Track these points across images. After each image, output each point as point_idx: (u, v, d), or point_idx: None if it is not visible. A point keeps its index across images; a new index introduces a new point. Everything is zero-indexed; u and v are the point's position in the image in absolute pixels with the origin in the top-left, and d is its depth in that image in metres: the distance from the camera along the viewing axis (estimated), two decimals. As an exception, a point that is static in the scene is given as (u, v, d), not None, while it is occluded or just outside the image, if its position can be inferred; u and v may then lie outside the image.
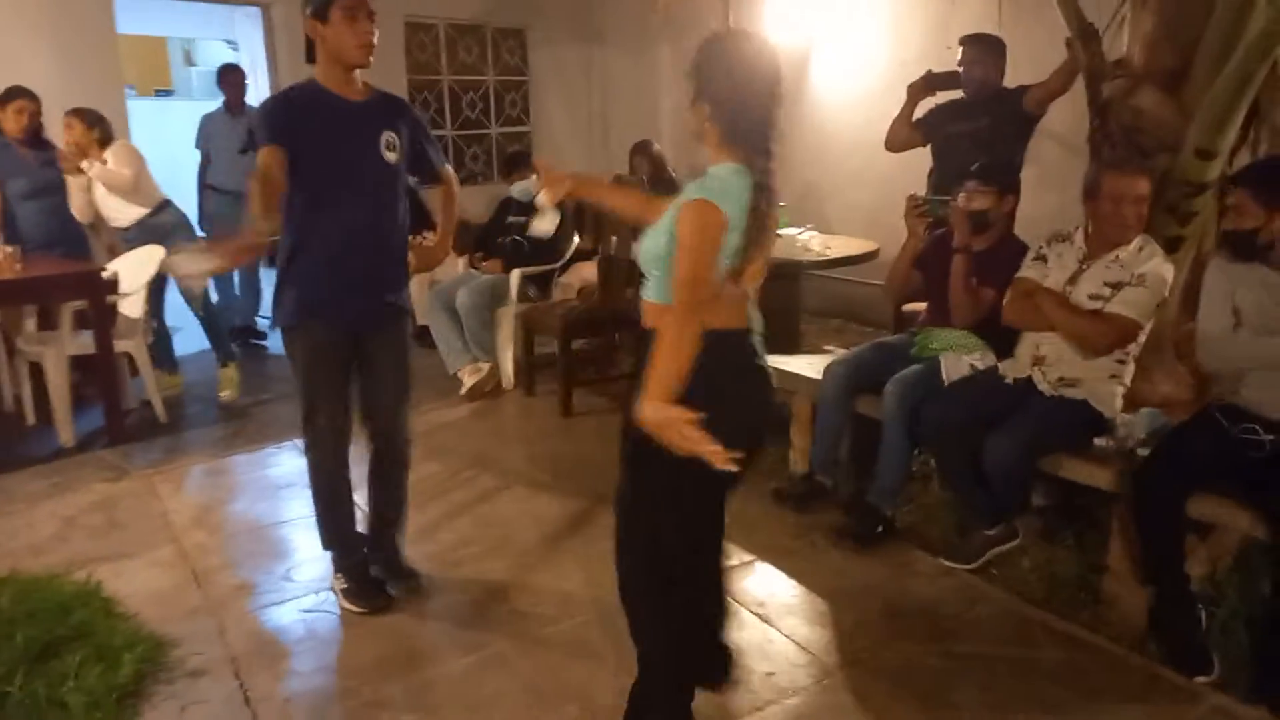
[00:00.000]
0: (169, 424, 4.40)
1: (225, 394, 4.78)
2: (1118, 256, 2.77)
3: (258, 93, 8.38)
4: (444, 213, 2.94)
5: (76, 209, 4.52)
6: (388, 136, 2.58)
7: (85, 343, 4.12)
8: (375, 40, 2.48)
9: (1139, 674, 2.41)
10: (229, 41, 9.44)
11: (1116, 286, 2.74)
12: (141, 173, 4.54)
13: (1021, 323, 2.94)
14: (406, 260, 2.77)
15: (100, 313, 4.06)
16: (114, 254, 4.67)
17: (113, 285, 4.20)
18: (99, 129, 4.47)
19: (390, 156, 2.58)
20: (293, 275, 2.60)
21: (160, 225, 4.59)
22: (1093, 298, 2.78)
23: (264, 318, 6.18)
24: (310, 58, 2.54)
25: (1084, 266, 2.84)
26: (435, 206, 3.01)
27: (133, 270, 4.37)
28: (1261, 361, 2.45)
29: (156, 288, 4.65)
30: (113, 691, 2.30)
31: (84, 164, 4.41)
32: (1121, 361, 2.81)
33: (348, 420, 2.74)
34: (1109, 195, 2.75)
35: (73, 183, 4.55)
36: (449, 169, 2.88)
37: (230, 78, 5.83)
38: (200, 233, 5.28)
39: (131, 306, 4.36)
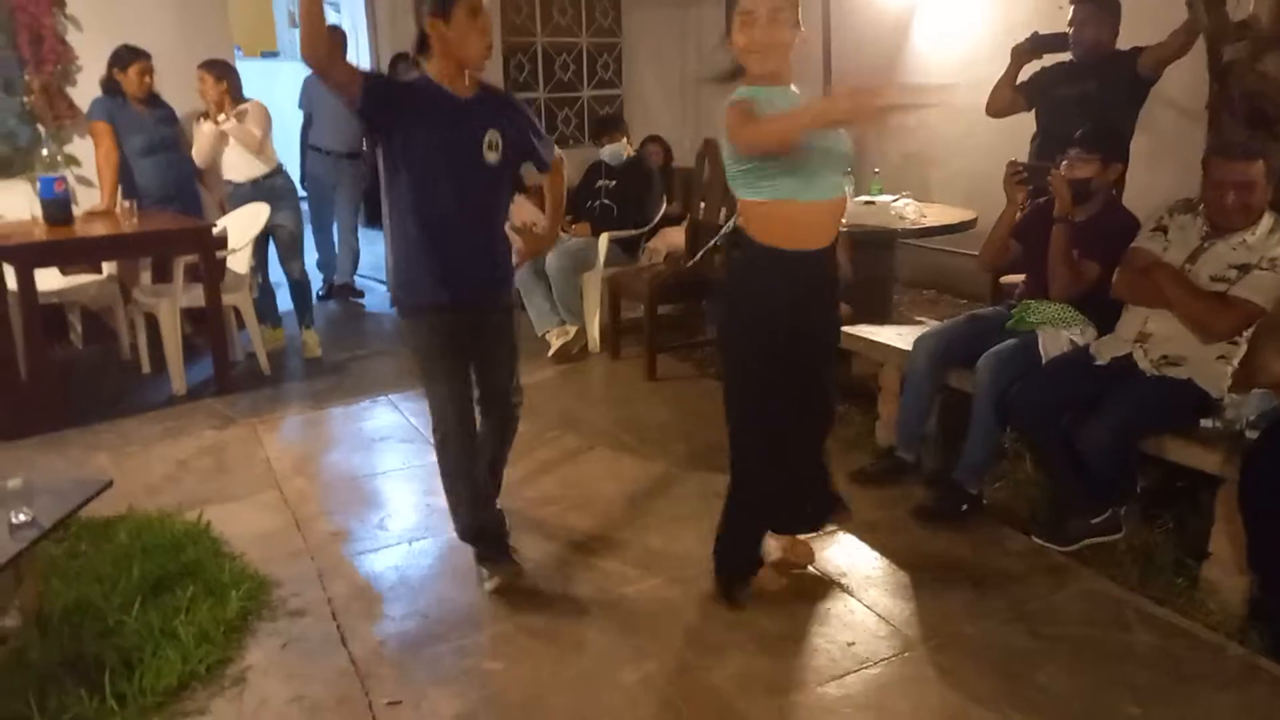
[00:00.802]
0: (271, 376, 4.59)
1: (310, 354, 4.94)
2: (1245, 239, 2.63)
3: (357, 53, 8.57)
4: (551, 200, 2.94)
5: (198, 154, 4.73)
6: (491, 136, 2.55)
7: (196, 296, 4.32)
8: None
9: (1237, 663, 2.33)
10: (331, 3, 9.65)
11: (1243, 269, 2.60)
12: (268, 135, 4.74)
13: (1134, 298, 2.83)
14: (508, 257, 2.75)
15: (210, 267, 4.25)
16: (224, 211, 4.88)
17: (222, 241, 4.39)
18: (227, 81, 4.64)
19: (491, 157, 2.55)
20: (401, 259, 2.64)
21: (272, 187, 4.78)
22: (1215, 279, 2.64)
23: (362, 276, 6.38)
24: (420, 50, 2.54)
25: (1206, 244, 2.70)
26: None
27: (241, 227, 4.56)
28: None
29: (261, 245, 4.84)
30: (220, 625, 2.44)
31: (220, 117, 4.62)
32: (1233, 342, 2.69)
33: (472, 408, 2.71)
34: (1211, 180, 2.62)
35: (198, 130, 4.73)
36: (559, 158, 2.86)
37: (331, 39, 5.96)
38: (303, 192, 5.46)
39: (239, 262, 4.55)
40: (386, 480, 3.47)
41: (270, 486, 3.39)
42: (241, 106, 4.69)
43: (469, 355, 2.67)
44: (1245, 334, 2.68)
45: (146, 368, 4.61)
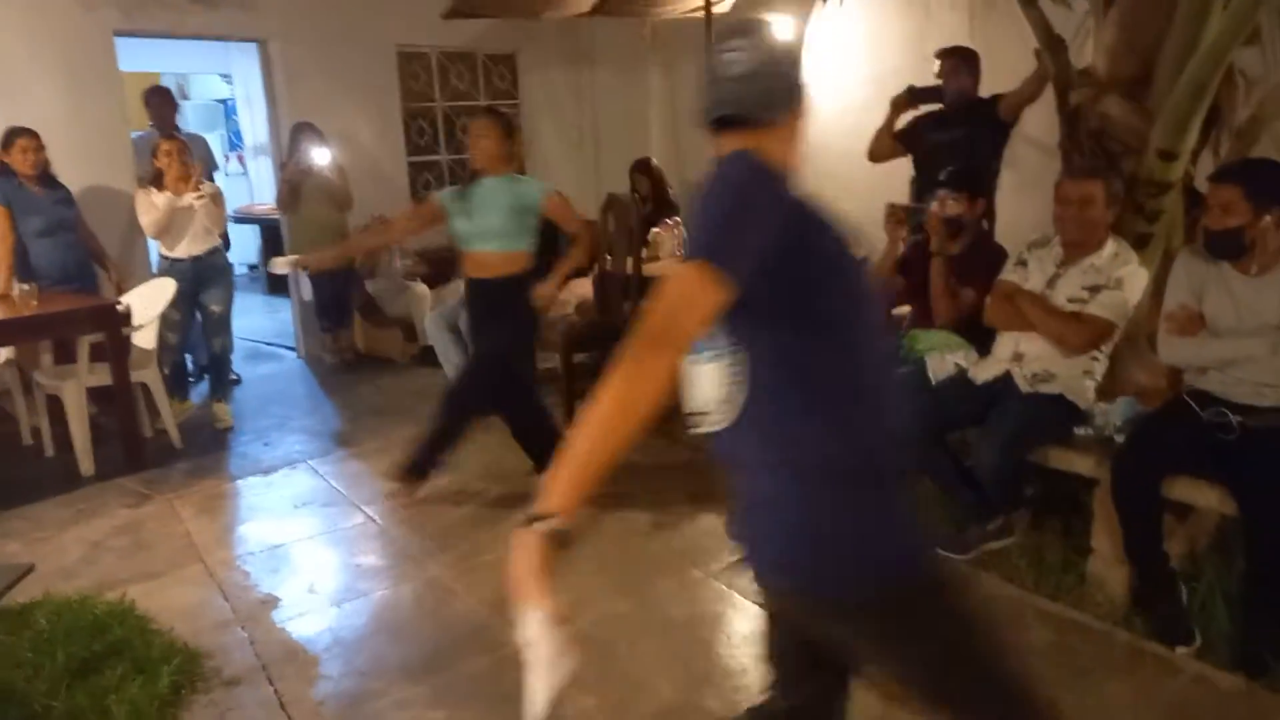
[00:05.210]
0: (184, 450, 4.52)
1: (221, 425, 4.90)
2: (1093, 262, 2.92)
3: (254, 128, 8.57)
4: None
5: (154, 224, 4.64)
6: None
7: (102, 375, 4.25)
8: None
9: (1125, 648, 2.54)
10: (224, 76, 9.61)
11: (1094, 290, 2.89)
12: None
13: (1002, 324, 3.09)
14: None
15: (116, 345, 4.19)
16: (120, 290, 4.81)
17: (127, 318, 4.34)
18: (190, 155, 4.76)
19: None
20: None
21: (212, 264, 4.84)
22: (1071, 300, 2.92)
23: (268, 343, 6.31)
24: None
25: (1061, 271, 2.98)
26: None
27: (145, 303, 4.52)
28: (1216, 362, 2.60)
29: (185, 322, 4.84)
30: (154, 701, 2.43)
31: (191, 194, 4.65)
32: (1095, 358, 2.96)
33: None
34: (1059, 198, 2.93)
35: (148, 198, 4.64)
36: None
37: (153, 100, 5.76)
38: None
39: (145, 338, 4.50)
40: (312, 544, 3.47)
41: (193, 560, 3.35)
42: (209, 187, 4.79)
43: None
44: (1105, 348, 2.96)
45: (50, 451, 4.49)
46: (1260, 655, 2.37)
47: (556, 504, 1.22)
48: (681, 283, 1.24)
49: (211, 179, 5.79)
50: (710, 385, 1.38)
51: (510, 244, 3.56)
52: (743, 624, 2.75)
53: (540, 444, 3.75)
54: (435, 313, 5.10)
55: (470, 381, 3.76)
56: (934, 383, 3.16)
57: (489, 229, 3.52)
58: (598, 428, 1.23)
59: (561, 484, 1.23)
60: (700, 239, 1.28)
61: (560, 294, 3.84)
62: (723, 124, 1.41)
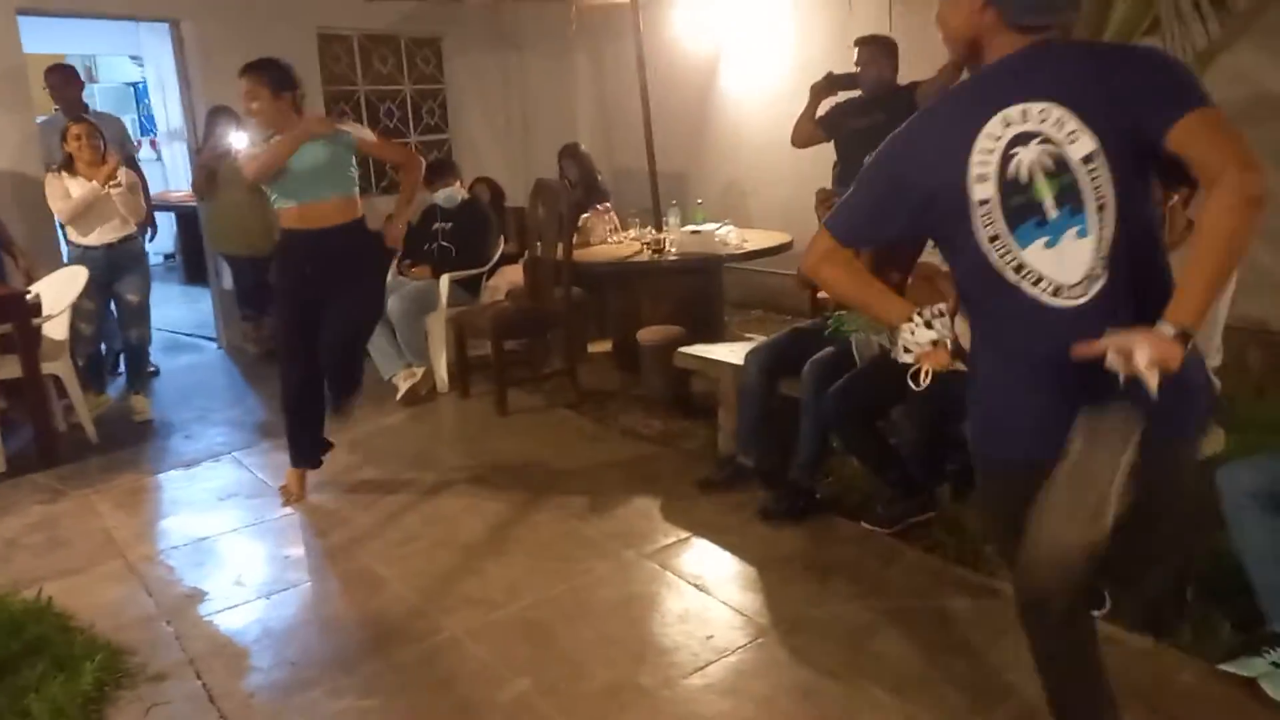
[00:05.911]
0: (100, 444, 4.37)
1: (140, 417, 4.76)
2: None
3: (167, 112, 8.27)
4: None
5: (69, 209, 4.48)
6: None
7: (11, 367, 4.08)
8: None
9: (1039, 614, 2.65)
10: (134, 58, 9.26)
11: None
12: None
13: (923, 302, 3.17)
14: None
15: (26, 336, 4.04)
16: (30, 279, 4.63)
17: (37, 308, 4.18)
18: (103, 140, 4.58)
19: None
20: None
21: (127, 252, 4.68)
22: None
23: (186, 334, 6.14)
24: None
25: None
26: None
27: (56, 292, 4.36)
28: None
29: (99, 312, 4.69)
30: (76, 698, 2.36)
31: (111, 184, 4.46)
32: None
33: None
34: None
35: (57, 181, 4.48)
36: None
37: (53, 79, 5.29)
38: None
39: (57, 329, 4.34)
40: (238, 537, 3.41)
41: (113, 556, 3.26)
42: (127, 176, 4.59)
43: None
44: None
45: (-43, 447, 4.31)
46: (1165, 617, 2.50)
47: (1196, 321, 1.41)
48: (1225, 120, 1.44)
49: (134, 161, 5.59)
50: (1082, 260, 1.57)
51: (338, 190, 3.45)
52: (676, 603, 2.80)
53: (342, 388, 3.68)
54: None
55: (350, 352, 3.64)
56: (860, 363, 3.24)
57: (313, 178, 3.38)
58: (1235, 252, 1.41)
59: (1201, 303, 1.41)
60: (1202, 92, 1.48)
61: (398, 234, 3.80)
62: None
